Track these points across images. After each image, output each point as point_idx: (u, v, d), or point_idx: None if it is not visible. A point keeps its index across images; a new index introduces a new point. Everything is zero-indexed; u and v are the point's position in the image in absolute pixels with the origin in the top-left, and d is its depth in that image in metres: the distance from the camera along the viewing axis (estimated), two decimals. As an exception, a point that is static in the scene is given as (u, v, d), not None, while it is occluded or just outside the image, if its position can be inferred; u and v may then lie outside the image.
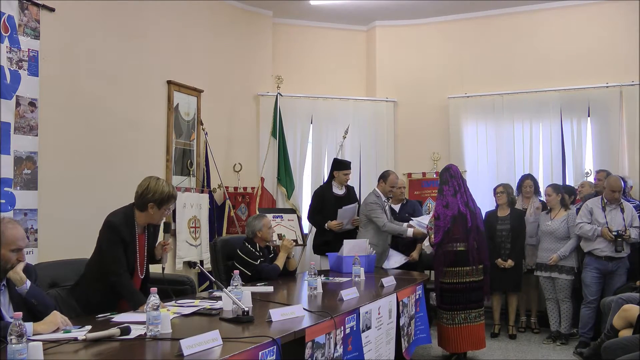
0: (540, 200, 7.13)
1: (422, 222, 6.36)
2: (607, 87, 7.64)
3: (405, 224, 6.44)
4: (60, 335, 2.87)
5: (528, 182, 7.23)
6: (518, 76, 8.24)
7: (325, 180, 7.51)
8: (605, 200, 6.29)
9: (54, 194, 5.25)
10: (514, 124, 8.18)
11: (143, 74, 6.46)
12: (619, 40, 7.72)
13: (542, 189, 7.26)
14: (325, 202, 6.74)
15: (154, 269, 4.11)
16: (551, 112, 7.96)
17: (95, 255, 3.84)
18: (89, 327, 3.03)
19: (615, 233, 6.10)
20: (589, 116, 7.81)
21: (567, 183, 7.71)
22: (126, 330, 2.88)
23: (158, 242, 4.07)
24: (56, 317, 3.00)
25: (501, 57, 8.39)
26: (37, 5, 5.14)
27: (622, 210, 6.24)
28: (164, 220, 4.04)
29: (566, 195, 6.79)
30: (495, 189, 7.04)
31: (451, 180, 5.79)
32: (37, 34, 5.11)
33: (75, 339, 2.77)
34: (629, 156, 7.49)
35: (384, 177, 6.63)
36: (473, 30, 8.59)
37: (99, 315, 3.43)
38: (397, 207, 6.98)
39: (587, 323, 6.24)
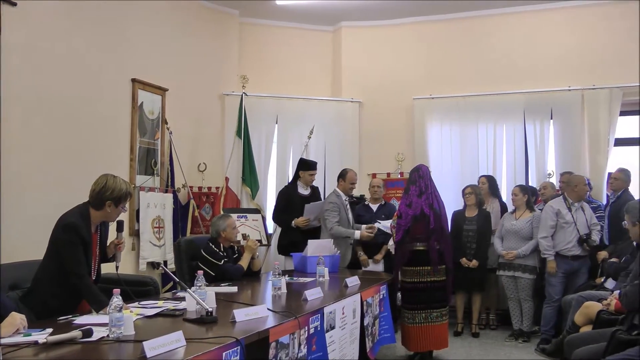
0: (500, 202, 7.25)
1: (386, 225, 6.40)
2: (569, 90, 7.76)
3: (357, 231, 6.47)
4: (20, 338, 2.81)
5: (482, 179, 7.41)
6: (483, 78, 8.32)
7: (290, 180, 7.50)
8: (570, 200, 6.42)
9: (14, 193, 5.14)
10: (478, 126, 8.25)
11: (107, 71, 6.36)
12: (581, 45, 7.87)
13: (505, 190, 7.37)
14: (291, 202, 6.75)
15: (108, 268, 4.06)
16: (515, 114, 8.06)
17: (51, 258, 3.71)
18: (49, 330, 2.98)
19: (584, 236, 6.27)
20: (551, 119, 7.93)
21: (530, 184, 7.82)
22: (88, 333, 2.84)
23: (110, 241, 4.00)
24: (15, 319, 2.94)
25: (466, 60, 8.47)
26: (-3, 0, 5.03)
27: (583, 210, 6.42)
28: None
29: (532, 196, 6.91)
30: (463, 190, 7.11)
31: (419, 180, 5.82)
32: (-3, 29, 5.01)
33: (36, 343, 2.72)
34: (590, 158, 7.62)
35: (342, 175, 6.72)
36: (438, 32, 8.64)
37: (61, 318, 3.37)
38: (375, 207, 6.98)
39: (549, 321, 6.38)
